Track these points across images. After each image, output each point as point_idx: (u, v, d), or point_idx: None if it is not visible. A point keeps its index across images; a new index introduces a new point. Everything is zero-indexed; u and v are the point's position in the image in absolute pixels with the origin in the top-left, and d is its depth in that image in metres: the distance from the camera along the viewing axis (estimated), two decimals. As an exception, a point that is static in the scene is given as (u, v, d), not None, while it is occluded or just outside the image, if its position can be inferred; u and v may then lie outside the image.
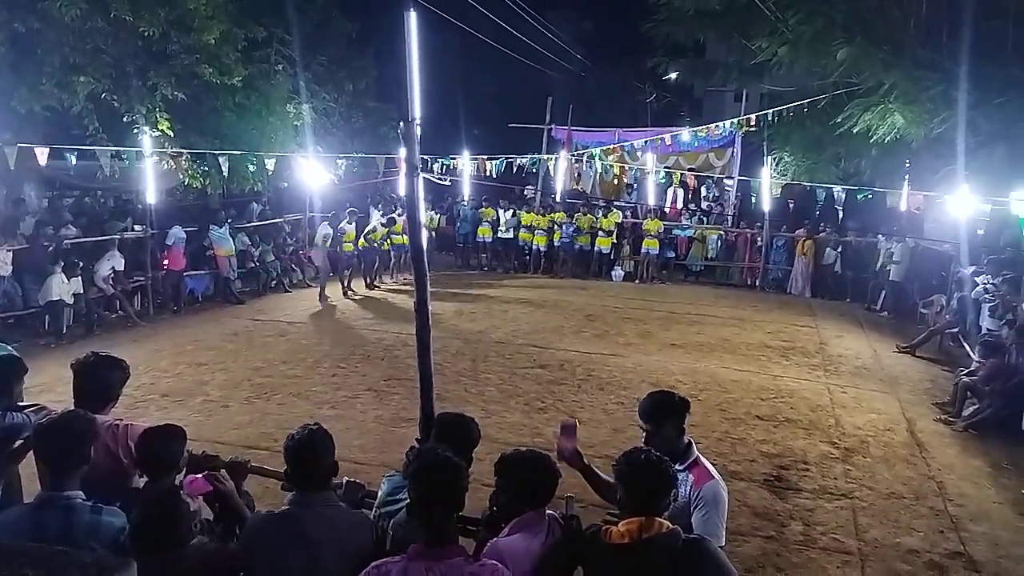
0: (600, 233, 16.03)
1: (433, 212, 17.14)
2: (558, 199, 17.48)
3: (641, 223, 16.19)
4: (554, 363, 9.19)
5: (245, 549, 2.67)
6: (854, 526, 5.34)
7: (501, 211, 16.86)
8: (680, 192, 19.93)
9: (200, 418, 6.97)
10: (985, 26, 9.73)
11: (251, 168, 13.08)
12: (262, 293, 13.56)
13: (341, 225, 13.67)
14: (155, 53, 11.68)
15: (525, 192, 19.06)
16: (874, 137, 11.21)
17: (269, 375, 8.43)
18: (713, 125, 17.18)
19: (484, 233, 16.85)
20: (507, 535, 2.55)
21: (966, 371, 8.34)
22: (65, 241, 10.78)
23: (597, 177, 19.05)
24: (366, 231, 14.16)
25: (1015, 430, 7.26)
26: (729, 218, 17.77)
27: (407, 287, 13.84)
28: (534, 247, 16.59)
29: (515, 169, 18.20)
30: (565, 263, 16.54)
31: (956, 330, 10.65)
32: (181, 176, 12.27)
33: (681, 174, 18.18)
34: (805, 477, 6.16)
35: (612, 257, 16.44)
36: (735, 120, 16.60)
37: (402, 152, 4.04)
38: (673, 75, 19.50)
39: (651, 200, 17.51)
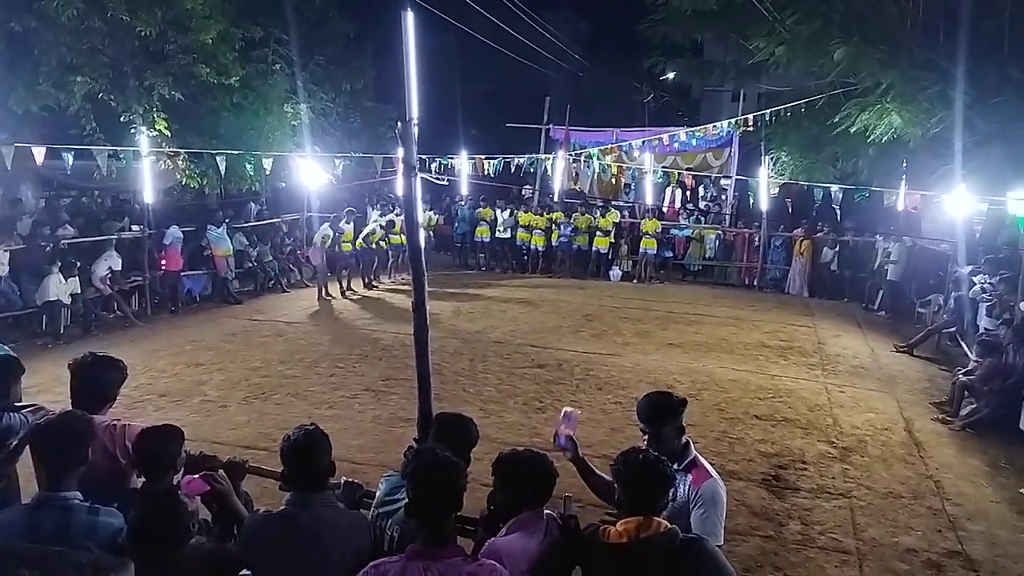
0: (598, 233, 16.03)
1: (432, 212, 17.13)
2: (556, 199, 17.48)
3: (639, 223, 16.19)
4: (552, 363, 9.19)
5: (243, 549, 2.67)
6: (852, 525, 5.35)
7: (498, 211, 16.86)
8: (678, 192, 19.97)
9: (198, 418, 6.96)
10: (982, 26, 9.73)
11: (249, 168, 13.07)
12: (260, 293, 13.55)
13: (339, 225, 13.66)
14: (152, 53, 11.67)
15: (523, 192, 19.05)
16: (871, 137, 11.21)
17: (267, 375, 8.42)
18: (711, 125, 17.17)
19: (482, 233, 16.85)
20: (505, 535, 2.55)
21: (964, 370, 8.34)
22: (62, 241, 10.76)
23: (595, 177, 19.05)
24: (364, 232, 14.15)
25: (1012, 429, 7.26)
26: (727, 218, 17.78)
27: (405, 287, 13.84)
28: (532, 247, 16.59)
29: (513, 169, 18.18)
30: (563, 263, 16.54)
31: (953, 329, 10.67)
32: (178, 176, 12.26)
33: (679, 174, 18.20)
34: (803, 476, 6.16)
35: (610, 257, 16.46)
36: (732, 120, 16.60)
37: (400, 152, 4.03)
38: (671, 75, 19.49)
39: (649, 200, 17.53)
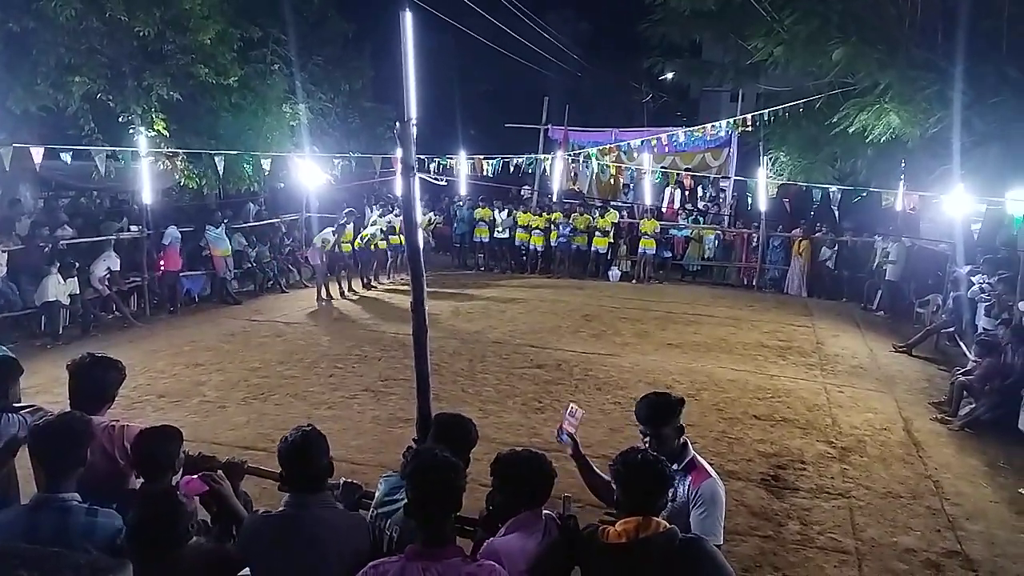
0: (597, 233, 16.04)
1: (433, 214, 17.13)
2: (555, 199, 17.48)
3: (638, 223, 16.20)
4: (551, 363, 9.19)
5: (242, 550, 2.67)
6: (851, 525, 5.35)
7: (497, 211, 16.86)
8: (677, 192, 19.96)
9: (197, 419, 6.95)
10: (980, 26, 9.75)
11: (247, 168, 13.05)
12: (259, 293, 13.54)
13: (339, 224, 13.66)
14: (150, 53, 11.65)
15: (522, 192, 19.05)
16: (870, 137, 11.22)
17: (266, 376, 8.41)
18: (709, 125, 17.16)
19: (481, 233, 16.85)
20: (503, 535, 2.55)
21: (962, 370, 8.35)
22: (61, 242, 10.75)
23: (594, 177, 19.06)
24: (363, 233, 14.13)
25: (1011, 429, 7.27)
26: (726, 218, 17.79)
27: (404, 287, 13.84)
28: (531, 247, 16.59)
29: (512, 169, 18.18)
30: (562, 263, 16.54)
31: (952, 329, 10.68)
32: (177, 176, 12.24)
33: (677, 174, 18.20)
34: (802, 476, 6.17)
35: (609, 257, 16.46)
36: (731, 120, 16.59)
37: (398, 152, 4.02)
38: (669, 75, 19.52)
39: (648, 200, 17.55)
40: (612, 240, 16.25)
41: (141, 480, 2.99)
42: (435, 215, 17.31)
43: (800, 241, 15.14)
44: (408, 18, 3.75)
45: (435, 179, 13.32)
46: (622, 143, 17.77)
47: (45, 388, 6.78)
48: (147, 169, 11.16)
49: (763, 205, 15.57)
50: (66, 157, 10.57)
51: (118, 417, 3.33)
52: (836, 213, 16.72)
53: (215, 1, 11.70)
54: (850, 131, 11.51)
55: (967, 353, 9.06)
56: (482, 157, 17.52)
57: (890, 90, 10.48)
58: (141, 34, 10.94)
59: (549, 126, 18.90)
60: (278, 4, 13.80)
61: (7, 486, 3.57)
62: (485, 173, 17.57)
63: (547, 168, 18.19)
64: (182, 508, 2.55)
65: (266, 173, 13.30)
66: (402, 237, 12.73)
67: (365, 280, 14.28)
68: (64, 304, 10.02)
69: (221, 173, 12.34)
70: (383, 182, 17.67)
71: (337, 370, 8.68)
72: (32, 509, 2.64)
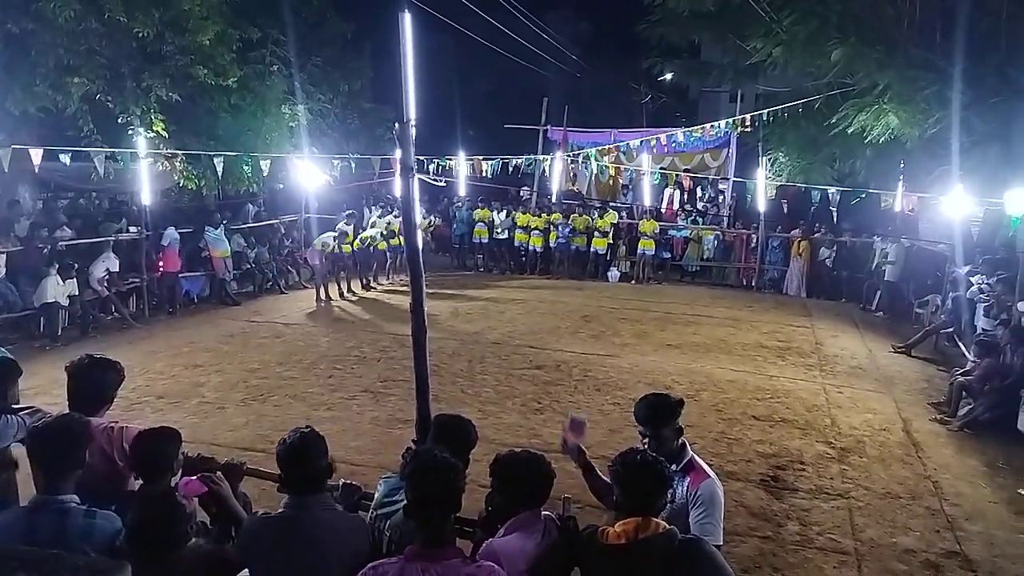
0: (596, 234, 16.03)
1: (434, 218, 17.14)
2: (554, 200, 17.48)
3: (637, 224, 16.20)
4: (551, 364, 9.19)
5: (241, 552, 2.67)
6: (850, 526, 5.35)
7: (495, 212, 16.86)
8: (676, 193, 19.97)
9: (196, 420, 6.95)
10: (979, 26, 9.76)
11: (246, 169, 13.05)
12: (258, 294, 13.54)
13: (339, 226, 13.67)
14: (149, 54, 11.65)
15: (521, 193, 19.06)
16: (869, 137, 11.24)
17: (265, 377, 8.41)
18: (708, 126, 17.18)
19: (480, 234, 16.84)
20: (503, 535, 2.55)
21: (961, 371, 8.35)
22: (60, 243, 10.75)
23: (593, 178, 19.06)
24: (362, 235, 14.13)
25: (1010, 429, 7.27)
26: (725, 219, 17.80)
27: (403, 288, 13.84)
28: (530, 248, 16.58)
29: (511, 170, 18.20)
30: (561, 264, 16.53)
31: (951, 330, 10.68)
32: (176, 177, 12.24)
33: (676, 175, 18.21)
34: (801, 477, 6.17)
35: (608, 258, 16.45)
36: (730, 120, 16.62)
37: (397, 153, 4.02)
38: (668, 76, 19.53)
39: (647, 201, 17.55)
40: (611, 241, 16.24)
41: (140, 482, 2.98)
42: (434, 218, 17.33)
43: (799, 242, 15.14)
44: (407, 19, 3.75)
45: (434, 180, 13.30)
46: (621, 144, 17.79)
47: (44, 389, 6.78)
48: (146, 170, 11.16)
49: (762, 206, 15.57)
50: (65, 158, 10.58)
51: (117, 418, 3.32)
52: (835, 214, 16.73)
53: (214, 2, 11.70)
54: (849, 131, 11.53)
55: (966, 353, 9.07)
56: (481, 158, 17.54)
57: (889, 90, 10.50)
58: (140, 35, 10.94)
59: (548, 127, 18.90)
60: (277, 5, 13.81)
61: (6, 488, 3.57)
62: (484, 174, 17.58)
63: (546, 169, 18.20)
64: (181, 509, 2.55)
65: (265, 174, 13.31)
66: (402, 238, 12.73)
67: (364, 281, 14.28)
68: (63, 305, 10.01)
69: (220, 174, 12.35)
70: (382, 183, 17.69)
71: (336, 371, 8.68)
72: (31, 511, 2.64)
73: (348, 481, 3.24)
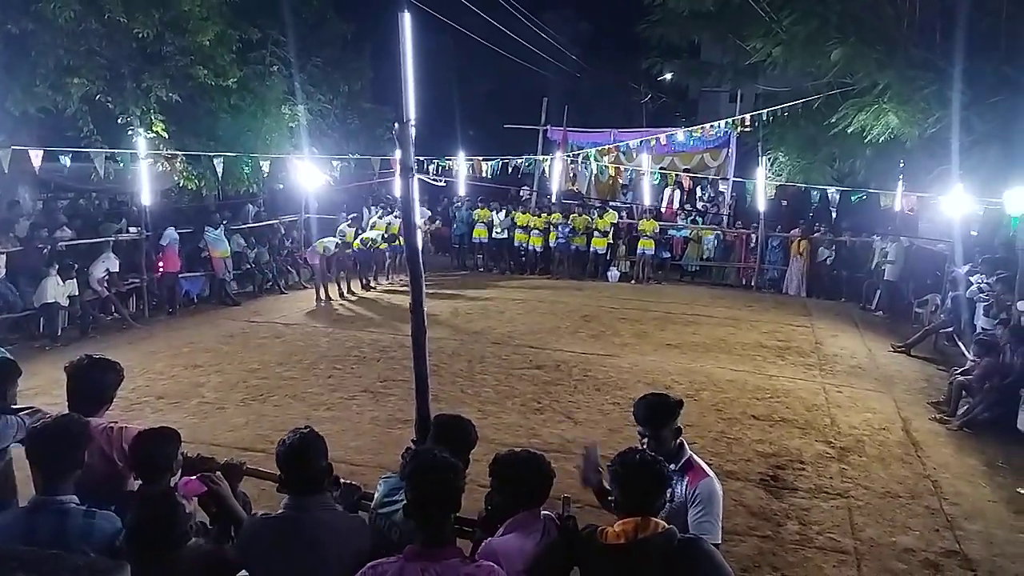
0: (596, 234, 16.03)
1: (434, 220, 17.13)
2: (554, 200, 17.48)
3: (637, 223, 16.20)
4: (550, 364, 9.19)
5: (241, 552, 2.67)
6: (850, 525, 5.35)
7: (494, 212, 16.86)
8: (676, 192, 19.97)
9: (195, 420, 6.95)
10: (979, 26, 9.76)
11: (246, 170, 13.05)
12: (258, 295, 13.54)
13: (341, 228, 13.67)
14: (149, 55, 11.65)
15: (521, 193, 19.07)
16: (868, 137, 11.24)
17: (265, 377, 8.41)
18: (708, 125, 17.18)
19: (480, 234, 16.84)
20: (502, 535, 2.55)
21: (961, 370, 8.36)
22: (60, 243, 10.75)
23: (593, 178, 19.06)
24: (363, 236, 14.14)
25: (1010, 429, 7.27)
26: (724, 218, 17.80)
27: (403, 288, 13.84)
28: (530, 248, 16.59)
29: (511, 170, 18.20)
30: (561, 264, 16.54)
31: (951, 329, 10.68)
32: (176, 178, 12.25)
33: (676, 175, 18.21)
34: (801, 476, 6.17)
35: (608, 257, 16.45)
36: (730, 120, 16.62)
37: (397, 153, 4.02)
38: (668, 76, 19.52)
39: (647, 200, 17.56)
40: (611, 241, 16.24)
41: (139, 482, 2.98)
42: (438, 223, 17.31)
43: (799, 241, 15.14)
44: (407, 19, 3.75)
45: (434, 180, 13.32)
46: (621, 143, 17.79)
47: (44, 390, 6.78)
48: (146, 171, 11.16)
49: (762, 205, 15.57)
50: (65, 159, 10.58)
51: (116, 419, 3.32)
52: (834, 213, 16.73)
53: (214, 2, 11.70)
54: (849, 131, 11.53)
55: (965, 353, 9.07)
56: (481, 158, 17.55)
57: (889, 90, 10.50)
58: (140, 36, 10.94)
59: (548, 127, 18.91)
60: (277, 5, 13.81)
61: (5, 489, 3.57)
62: (484, 174, 17.58)
63: (546, 169, 18.20)
64: (181, 510, 2.56)
65: (265, 174, 13.31)
66: (402, 239, 12.74)
67: (364, 281, 14.28)
68: (63, 306, 10.01)
69: (220, 174, 12.35)
70: (382, 183, 17.69)
71: (336, 371, 8.68)
72: (30, 511, 2.64)
73: (348, 481, 3.24)
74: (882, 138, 11.02)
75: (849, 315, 13.25)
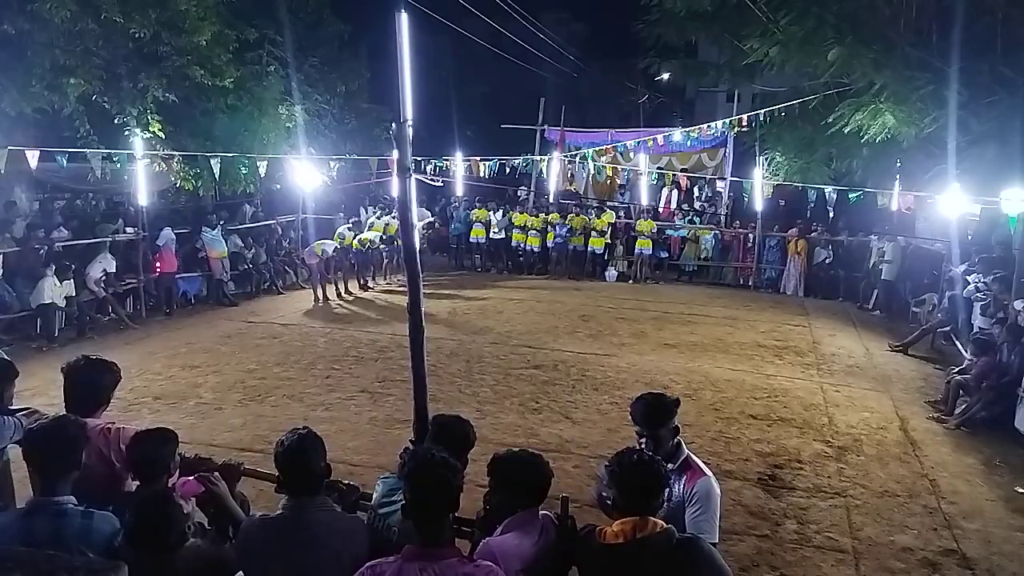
0: (593, 233, 16.04)
1: (434, 221, 17.11)
2: (551, 200, 17.49)
3: (634, 223, 16.22)
4: (548, 363, 9.19)
5: (240, 553, 2.66)
6: (848, 524, 5.36)
7: (492, 212, 16.86)
8: (673, 192, 19.98)
9: (193, 421, 6.94)
10: (975, 25, 9.77)
11: (243, 170, 13.04)
12: (255, 295, 13.52)
13: (340, 230, 13.65)
14: (146, 55, 11.64)
15: (518, 193, 19.06)
16: (865, 137, 11.24)
17: (262, 377, 8.40)
18: (705, 125, 17.18)
19: (477, 234, 16.84)
20: (500, 535, 2.55)
21: (958, 369, 8.38)
22: (56, 244, 10.74)
23: (590, 178, 19.05)
24: (361, 237, 14.12)
25: (1007, 428, 7.29)
26: (722, 218, 17.81)
27: (400, 288, 13.83)
28: (528, 248, 16.59)
29: (508, 170, 18.19)
30: (559, 263, 16.54)
31: (948, 328, 10.71)
32: (173, 178, 12.23)
33: (674, 174, 18.22)
34: (799, 476, 6.17)
35: (606, 257, 16.46)
36: (727, 120, 16.62)
37: (394, 153, 4.01)
38: (665, 76, 19.49)
39: (644, 200, 17.56)
40: (609, 240, 16.25)
41: (137, 483, 2.98)
42: (433, 225, 17.29)
43: (796, 241, 15.17)
44: (404, 19, 3.74)
45: (431, 180, 13.31)
46: (618, 143, 17.80)
47: (41, 391, 6.76)
48: (143, 171, 11.13)
49: (759, 205, 15.59)
50: (62, 159, 10.56)
51: (114, 419, 3.32)
52: (831, 213, 16.74)
53: (211, 2, 11.69)
54: (846, 131, 11.53)
55: (963, 352, 9.09)
56: (478, 158, 17.53)
57: (885, 90, 10.50)
58: (136, 36, 10.93)
59: (545, 127, 18.91)
60: (274, 5, 13.80)
61: (2, 490, 3.56)
62: (481, 174, 17.57)
63: (543, 169, 18.20)
64: (178, 510, 2.55)
65: (262, 175, 13.28)
66: (399, 239, 12.74)
67: (361, 281, 14.27)
68: (60, 306, 9.99)
69: (217, 175, 12.32)
70: (379, 183, 17.68)
71: (334, 371, 8.67)
72: (27, 513, 2.63)
73: (346, 481, 3.23)
74: (879, 138, 11.02)
75: (846, 314, 13.28)
